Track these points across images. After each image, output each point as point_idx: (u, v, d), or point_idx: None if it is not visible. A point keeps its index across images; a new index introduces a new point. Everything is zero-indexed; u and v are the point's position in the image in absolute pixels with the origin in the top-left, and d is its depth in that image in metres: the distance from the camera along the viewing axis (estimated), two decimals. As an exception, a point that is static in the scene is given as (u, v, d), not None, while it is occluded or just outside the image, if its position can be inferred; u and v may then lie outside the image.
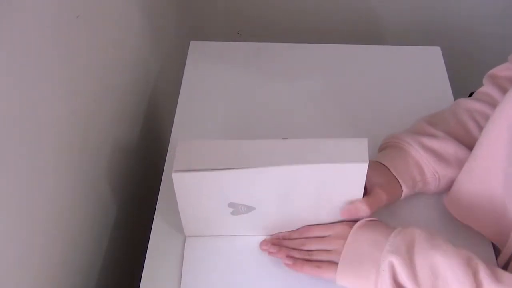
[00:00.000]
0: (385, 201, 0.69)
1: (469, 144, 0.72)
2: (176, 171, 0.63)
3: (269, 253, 0.69)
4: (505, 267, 0.68)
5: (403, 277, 0.60)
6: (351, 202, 0.67)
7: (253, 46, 0.99)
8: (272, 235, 0.71)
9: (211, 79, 0.93)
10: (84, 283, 0.75)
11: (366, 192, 0.68)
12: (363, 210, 0.67)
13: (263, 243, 0.71)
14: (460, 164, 0.71)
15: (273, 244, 0.70)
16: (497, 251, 0.72)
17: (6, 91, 0.51)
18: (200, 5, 1.32)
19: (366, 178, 0.65)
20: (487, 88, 0.78)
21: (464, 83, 1.05)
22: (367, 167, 0.63)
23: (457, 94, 0.90)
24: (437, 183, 0.72)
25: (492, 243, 0.72)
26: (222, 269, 0.69)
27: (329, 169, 0.64)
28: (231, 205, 0.67)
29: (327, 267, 0.65)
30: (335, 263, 0.65)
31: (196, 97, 0.90)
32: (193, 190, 0.65)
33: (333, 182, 0.65)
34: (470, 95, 1.01)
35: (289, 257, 0.68)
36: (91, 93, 0.73)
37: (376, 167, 0.71)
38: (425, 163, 0.71)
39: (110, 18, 0.79)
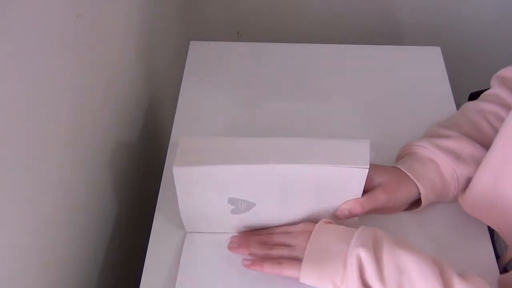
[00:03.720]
0: (383, 201, 0.68)
1: (483, 143, 0.72)
2: (177, 165, 0.63)
3: (229, 248, 0.68)
4: (510, 264, 0.68)
5: (369, 271, 0.59)
6: (346, 202, 0.67)
7: (253, 46, 0.99)
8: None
9: (211, 79, 0.93)
10: (84, 282, 0.75)
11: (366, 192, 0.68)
12: (355, 208, 0.67)
13: (232, 238, 0.70)
14: (477, 163, 0.70)
15: (241, 242, 0.69)
16: (496, 251, 0.73)
17: (7, 91, 0.51)
18: (200, 5, 1.32)
19: (367, 178, 0.65)
20: (495, 89, 0.77)
21: (464, 83, 1.05)
22: (367, 172, 0.63)
23: (457, 94, 0.90)
24: (456, 183, 0.71)
25: (492, 244, 0.72)
26: (220, 265, 0.69)
27: (328, 171, 0.64)
28: (231, 201, 0.67)
29: (289, 263, 0.63)
30: (297, 260, 0.63)
31: (196, 97, 0.90)
32: (193, 185, 0.65)
33: (332, 184, 0.65)
34: (470, 95, 1.01)
35: (251, 254, 0.66)
36: (91, 93, 0.73)
37: (381, 168, 0.71)
38: (442, 164, 0.71)
39: (110, 18, 0.79)
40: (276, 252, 0.65)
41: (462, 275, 0.59)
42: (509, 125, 0.65)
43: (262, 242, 0.68)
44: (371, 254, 0.59)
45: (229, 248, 0.69)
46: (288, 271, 0.63)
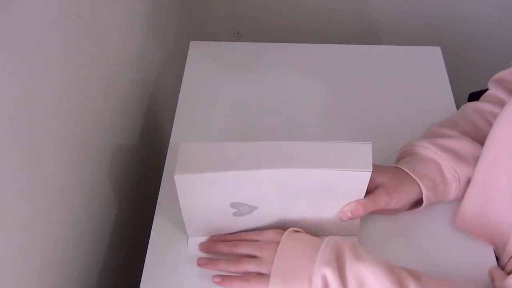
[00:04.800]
0: (385, 202, 0.68)
1: (482, 143, 0.72)
2: (179, 173, 0.63)
3: (199, 264, 0.69)
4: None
5: None
6: (348, 204, 0.68)
7: (253, 46, 0.99)
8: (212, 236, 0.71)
9: (211, 79, 0.93)
10: (84, 283, 0.75)
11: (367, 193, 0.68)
12: (357, 210, 0.67)
13: (200, 245, 0.71)
14: (477, 162, 0.70)
15: (209, 249, 0.70)
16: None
17: (7, 91, 0.51)
18: (200, 5, 1.32)
19: (369, 180, 0.65)
20: (494, 91, 0.78)
21: (464, 83, 1.05)
22: (370, 175, 0.63)
23: (457, 94, 0.90)
24: (457, 183, 0.71)
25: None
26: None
27: (331, 175, 0.63)
28: (233, 205, 0.67)
29: (256, 280, 0.64)
30: (264, 275, 0.64)
31: (196, 97, 0.90)
32: (196, 191, 0.65)
33: (335, 187, 0.65)
34: (470, 95, 1.01)
35: (220, 270, 0.67)
36: (92, 93, 0.73)
37: (382, 168, 0.71)
38: (444, 163, 0.71)
39: (110, 18, 0.79)
40: (243, 267, 0.66)
41: (418, 277, 0.61)
42: (495, 136, 0.66)
43: (230, 249, 0.68)
44: (335, 272, 0.61)
45: (198, 264, 0.69)
46: (255, 287, 0.64)
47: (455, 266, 0.69)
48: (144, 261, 0.70)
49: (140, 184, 0.97)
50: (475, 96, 0.87)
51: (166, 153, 0.82)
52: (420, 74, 0.94)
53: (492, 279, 0.67)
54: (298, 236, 0.67)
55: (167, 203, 0.75)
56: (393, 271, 0.61)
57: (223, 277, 0.66)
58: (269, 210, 0.68)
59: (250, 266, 0.66)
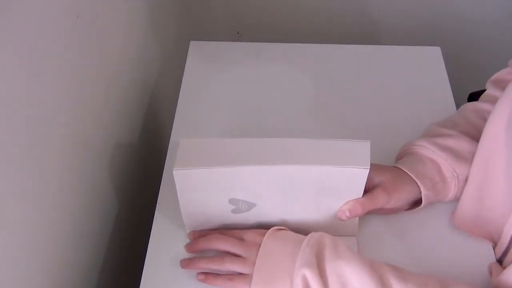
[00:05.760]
0: (384, 201, 0.68)
1: None
2: (178, 168, 0.63)
3: (181, 266, 0.69)
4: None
5: None
6: (346, 203, 0.68)
7: (253, 46, 0.99)
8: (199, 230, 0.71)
9: (211, 79, 0.93)
10: (84, 282, 0.75)
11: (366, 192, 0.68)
12: (356, 209, 0.67)
13: (185, 247, 0.70)
14: None
15: (191, 248, 0.69)
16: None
17: (6, 91, 0.51)
18: (200, 5, 1.32)
19: (368, 179, 0.65)
20: (492, 91, 0.78)
21: (464, 83, 1.05)
22: (368, 172, 0.63)
23: (457, 94, 0.90)
24: (456, 182, 0.71)
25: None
26: None
27: (329, 172, 0.64)
28: (231, 201, 0.67)
29: (240, 279, 0.65)
30: (247, 275, 0.64)
31: (196, 97, 0.90)
32: (194, 186, 0.65)
33: (333, 184, 0.65)
34: (470, 95, 1.01)
35: (200, 273, 0.67)
36: (92, 93, 0.73)
37: (381, 167, 0.71)
38: (442, 162, 0.71)
39: (110, 18, 0.79)
40: (226, 267, 0.66)
41: (399, 271, 0.61)
42: (488, 133, 0.67)
43: (211, 245, 0.68)
44: (315, 272, 0.61)
45: (181, 266, 0.69)
46: (238, 286, 0.65)
47: (454, 265, 0.69)
48: (144, 261, 0.70)
49: (140, 184, 0.97)
50: (474, 96, 0.87)
51: (166, 153, 0.82)
52: (420, 74, 0.94)
53: (491, 275, 0.67)
54: (280, 235, 0.67)
55: (167, 202, 0.75)
56: (373, 266, 0.61)
57: (206, 274, 0.67)
58: (267, 208, 0.68)
59: (233, 266, 0.66)
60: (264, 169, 0.63)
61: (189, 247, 0.70)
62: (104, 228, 0.82)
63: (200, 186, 0.65)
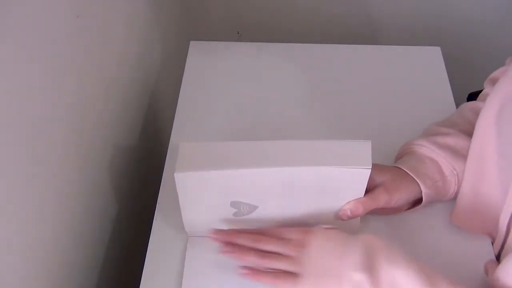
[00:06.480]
0: (384, 201, 0.68)
1: None
2: (179, 171, 0.63)
3: (224, 251, 0.65)
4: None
5: None
6: (348, 203, 0.68)
7: (253, 46, 0.99)
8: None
9: (211, 79, 0.93)
10: (84, 282, 0.75)
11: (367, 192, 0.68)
12: (357, 209, 0.67)
13: (216, 233, 0.67)
14: None
15: (227, 238, 0.66)
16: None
17: (6, 91, 0.51)
18: (200, 5, 1.32)
19: (369, 178, 0.65)
20: (489, 90, 0.79)
21: (464, 83, 1.05)
22: (369, 172, 0.63)
23: (457, 94, 0.90)
24: (456, 180, 0.71)
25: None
26: (224, 268, 0.69)
27: (331, 172, 0.64)
28: (233, 204, 0.67)
29: (286, 278, 0.63)
30: (292, 274, 0.63)
31: (196, 97, 0.90)
32: (195, 190, 0.65)
33: (335, 185, 0.65)
34: (469, 95, 1.01)
35: (247, 262, 0.64)
36: (92, 93, 0.73)
37: (381, 167, 0.71)
38: (442, 161, 0.71)
39: (110, 18, 0.79)
40: (272, 264, 0.64)
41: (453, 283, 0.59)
42: (479, 128, 0.68)
43: (253, 244, 0.66)
44: (367, 278, 0.59)
45: (223, 251, 0.66)
46: (285, 285, 0.63)
47: (454, 263, 0.69)
48: (144, 261, 0.70)
49: (140, 184, 0.97)
50: (474, 96, 0.87)
51: (166, 153, 0.82)
52: (420, 74, 0.94)
53: (487, 273, 0.67)
54: (329, 235, 0.65)
55: (167, 203, 0.75)
56: (427, 273, 0.59)
57: (253, 269, 0.64)
58: (269, 210, 0.68)
59: (279, 264, 0.64)
60: (266, 172, 0.63)
61: (222, 235, 0.66)
62: (104, 228, 0.82)
63: (202, 189, 0.65)
